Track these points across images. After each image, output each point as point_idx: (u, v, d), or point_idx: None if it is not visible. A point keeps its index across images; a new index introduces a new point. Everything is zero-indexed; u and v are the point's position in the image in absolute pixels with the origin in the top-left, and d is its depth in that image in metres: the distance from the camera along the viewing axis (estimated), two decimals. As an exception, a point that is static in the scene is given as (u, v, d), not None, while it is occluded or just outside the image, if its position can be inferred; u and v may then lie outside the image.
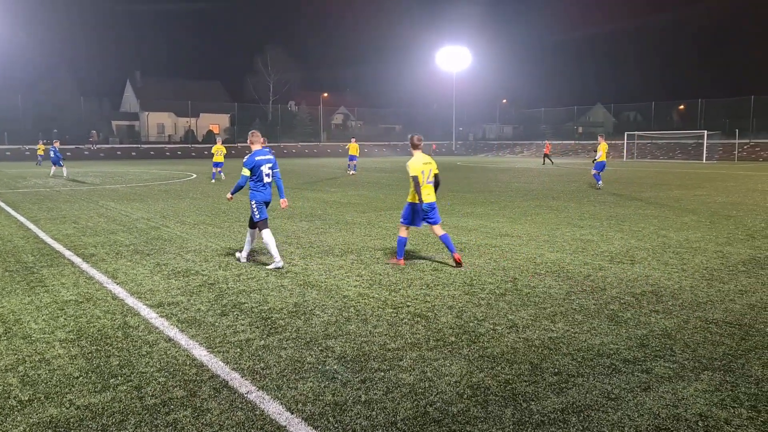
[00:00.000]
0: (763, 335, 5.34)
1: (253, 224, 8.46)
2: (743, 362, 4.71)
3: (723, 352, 4.92)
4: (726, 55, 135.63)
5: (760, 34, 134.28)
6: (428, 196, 8.02)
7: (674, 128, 64.73)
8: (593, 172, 21.53)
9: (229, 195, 8.70)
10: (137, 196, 18.61)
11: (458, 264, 8.01)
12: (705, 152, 51.88)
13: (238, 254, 8.74)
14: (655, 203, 16.33)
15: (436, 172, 8.21)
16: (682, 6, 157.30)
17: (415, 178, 7.92)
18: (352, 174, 29.84)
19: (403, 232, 8.27)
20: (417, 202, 7.96)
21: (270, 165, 8.31)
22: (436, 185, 8.23)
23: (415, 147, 8.25)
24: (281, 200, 8.57)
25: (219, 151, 25.58)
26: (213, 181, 25.25)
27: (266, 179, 8.27)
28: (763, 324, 5.65)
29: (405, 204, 8.28)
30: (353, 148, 31.34)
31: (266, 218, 8.32)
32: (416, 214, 8.09)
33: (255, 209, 8.29)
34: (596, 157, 21.61)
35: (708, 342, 5.17)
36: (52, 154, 28.13)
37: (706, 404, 3.97)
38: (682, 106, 72.68)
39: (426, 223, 8.19)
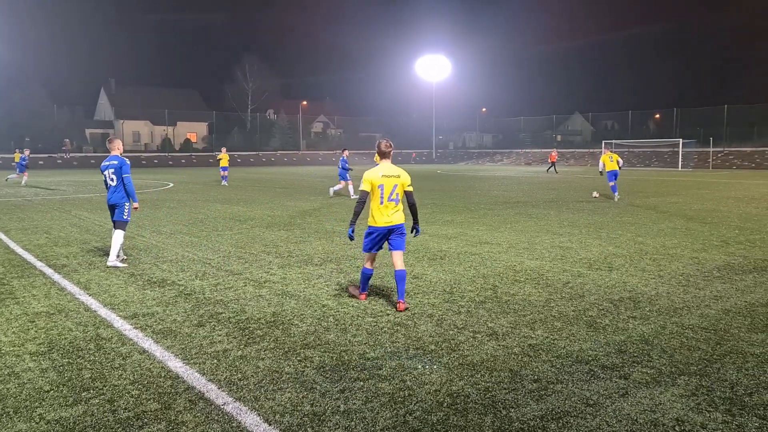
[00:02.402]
0: (738, 340, 5.40)
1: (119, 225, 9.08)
2: (718, 366, 4.76)
3: (699, 357, 4.96)
4: (700, 66, 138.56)
5: (733, 46, 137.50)
6: (389, 216, 6.49)
7: (650, 137, 65.80)
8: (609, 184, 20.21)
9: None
10: (113, 206, 18.31)
11: (399, 311, 6.36)
12: (680, 160, 52.79)
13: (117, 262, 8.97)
14: (632, 210, 16.53)
15: (408, 189, 6.62)
16: (658, 19, 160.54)
17: (362, 195, 6.54)
18: None
19: (367, 263, 6.77)
20: (374, 224, 6.54)
21: (112, 170, 8.87)
22: (411, 207, 6.68)
23: (382, 155, 6.71)
24: (132, 203, 9.11)
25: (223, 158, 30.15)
26: (224, 183, 29.58)
27: (109, 182, 8.91)
28: (738, 329, 5.72)
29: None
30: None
31: (113, 221, 8.94)
32: (376, 239, 6.61)
33: None
34: (600, 170, 20.73)
35: (684, 347, 5.21)
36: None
37: (683, 409, 3.99)
38: (657, 116, 73.98)
39: (390, 248, 6.66)
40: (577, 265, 8.80)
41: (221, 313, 6.33)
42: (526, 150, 72.75)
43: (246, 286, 7.55)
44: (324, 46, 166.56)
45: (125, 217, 8.93)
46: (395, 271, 6.50)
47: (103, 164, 9.04)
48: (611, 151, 21.22)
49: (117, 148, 9.10)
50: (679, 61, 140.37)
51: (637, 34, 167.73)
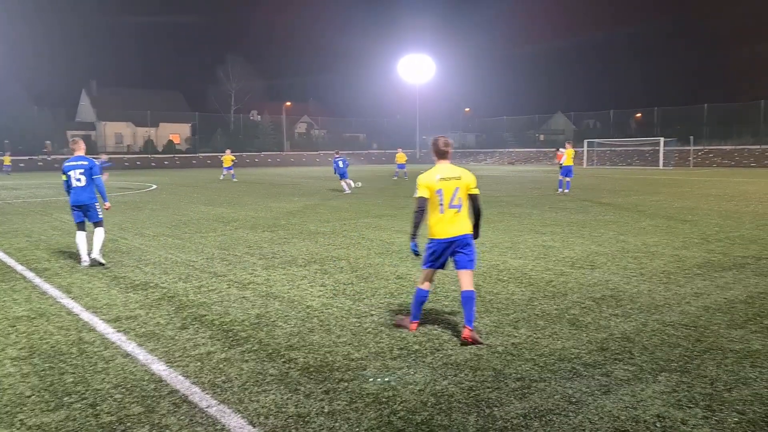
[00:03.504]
0: (717, 336, 5.49)
1: (92, 224, 9.13)
2: (699, 363, 4.83)
3: (679, 354, 5.03)
4: (680, 66, 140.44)
5: (712, 46, 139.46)
6: (451, 227, 5.53)
7: (632, 135, 66.39)
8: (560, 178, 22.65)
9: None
10: (95, 208, 18.11)
11: (464, 342, 5.28)
12: (662, 159, 53.36)
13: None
14: (614, 209, 16.69)
15: (472, 192, 5.65)
16: (639, 19, 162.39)
17: (420, 202, 5.52)
18: (406, 178, 33.35)
19: (423, 283, 5.71)
20: (432, 236, 5.57)
21: (81, 171, 8.91)
22: (476, 213, 5.78)
23: (440, 155, 5.64)
24: (104, 204, 9.30)
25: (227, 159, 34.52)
26: (234, 180, 33.32)
27: (75, 183, 8.89)
28: (717, 325, 5.81)
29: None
30: (401, 157, 35.96)
31: (78, 222, 9.07)
32: (436, 254, 5.58)
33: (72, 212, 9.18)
34: (561, 161, 22.73)
35: (665, 344, 5.28)
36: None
37: (664, 405, 4.05)
38: (639, 114, 74.67)
39: (455, 266, 5.62)
40: (559, 263, 8.87)
41: (205, 315, 6.30)
42: (510, 149, 73.11)
43: (230, 288, 7.52)
44: (308, 47, 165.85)
45: (100, 216, 9.20)
46: (462, 292, 5.47)
47: (66, 165, 9.01)
48: (574, 148, 23.48)
49: (81, 149, 9.16)
50: (660, 60, 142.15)
51: (618, 35, 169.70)
